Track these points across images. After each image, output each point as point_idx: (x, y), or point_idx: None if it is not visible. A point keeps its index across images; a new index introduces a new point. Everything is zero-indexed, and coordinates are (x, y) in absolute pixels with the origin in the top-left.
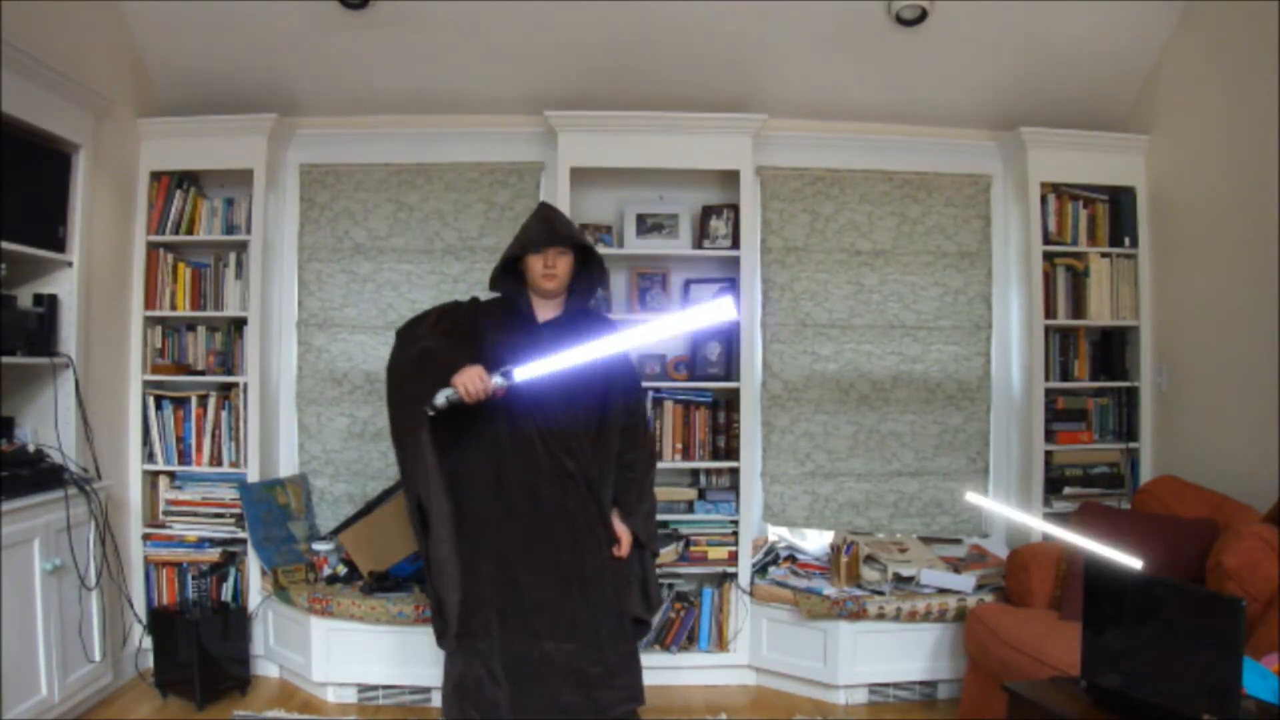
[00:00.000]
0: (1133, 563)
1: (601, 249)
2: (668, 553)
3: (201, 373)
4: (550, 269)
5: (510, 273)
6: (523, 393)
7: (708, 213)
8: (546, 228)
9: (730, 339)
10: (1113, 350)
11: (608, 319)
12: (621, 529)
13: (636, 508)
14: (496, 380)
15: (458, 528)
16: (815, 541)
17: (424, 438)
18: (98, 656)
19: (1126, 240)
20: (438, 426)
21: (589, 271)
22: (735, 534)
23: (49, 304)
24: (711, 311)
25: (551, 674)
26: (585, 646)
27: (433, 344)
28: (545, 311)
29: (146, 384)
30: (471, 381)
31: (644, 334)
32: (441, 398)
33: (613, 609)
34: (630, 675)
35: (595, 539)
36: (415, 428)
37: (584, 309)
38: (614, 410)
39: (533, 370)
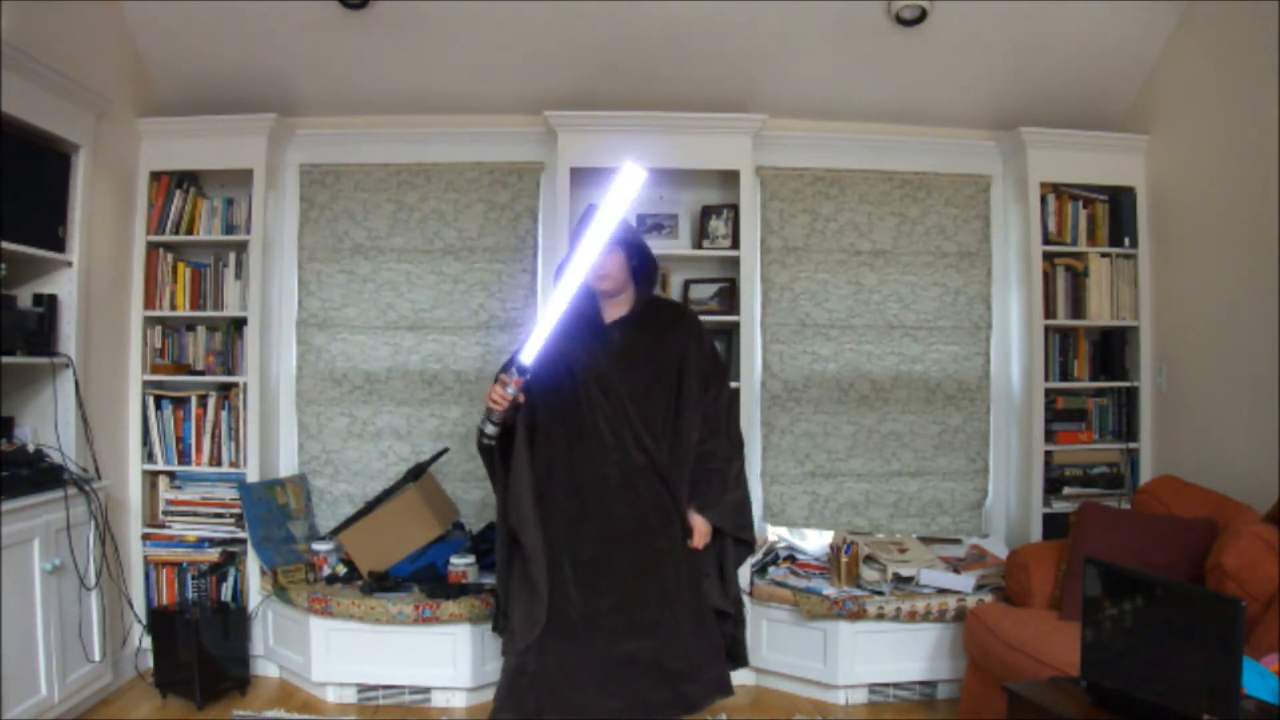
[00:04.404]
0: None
1: None
2: None
3: (201, 373)
4: (599, 271)
5: None
6: (591, 385)
7: (707, 213)
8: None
9: (730, 339)
10: (1112, 350)
11: (680, 308)
12: (697, 520)
13: (717, 500)
14: (509, 377)
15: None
16: (815, 541)
17: (497, 464)
18: (97, 657)
19: (1126, 240)
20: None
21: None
22: None
23: (49, 304)
24: (623, 185)
25: (634, 672)
26: (667, 643)
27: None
28: (613, 311)
29: (146, 384)
30: (492, 394)
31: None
32: (487, 424)
33: (691, 604)
34: (716, 667)
35: (670, 535)
36: (490, 462)
37: (654, 302)
38: (689, 397)
39: (533, 346)
